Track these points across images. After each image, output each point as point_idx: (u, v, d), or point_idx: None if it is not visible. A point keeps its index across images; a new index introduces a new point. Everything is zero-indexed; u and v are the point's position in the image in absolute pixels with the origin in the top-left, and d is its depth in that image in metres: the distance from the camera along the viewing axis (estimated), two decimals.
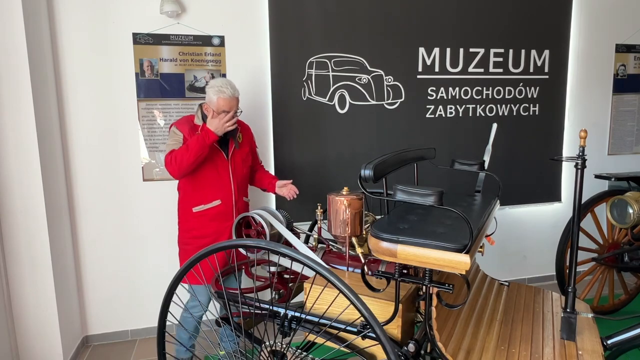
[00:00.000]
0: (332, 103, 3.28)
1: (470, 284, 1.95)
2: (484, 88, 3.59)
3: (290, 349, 1.65)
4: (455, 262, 1.39)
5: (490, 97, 3.62)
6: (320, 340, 1.64)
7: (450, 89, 3.51)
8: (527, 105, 3.71)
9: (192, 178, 2.40)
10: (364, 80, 3.31)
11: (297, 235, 2.14)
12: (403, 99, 3.42)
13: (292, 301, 1.97)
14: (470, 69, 3.54)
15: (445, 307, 1.60)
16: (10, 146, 2.47)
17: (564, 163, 3.87)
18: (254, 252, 2.12)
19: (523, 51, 3.63)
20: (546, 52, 3.68)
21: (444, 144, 3.49)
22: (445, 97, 3.51)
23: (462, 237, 1.44)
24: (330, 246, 2.08)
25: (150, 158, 3.05)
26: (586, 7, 3.78)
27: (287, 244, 2.08)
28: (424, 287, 1.56)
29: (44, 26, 2.72)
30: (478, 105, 3.60)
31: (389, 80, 3.37)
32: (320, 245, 2.09)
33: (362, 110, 3.34)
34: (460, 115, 3.57)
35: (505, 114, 3.68)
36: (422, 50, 3.41)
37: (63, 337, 2.72)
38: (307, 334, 1.68)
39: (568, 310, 1.71)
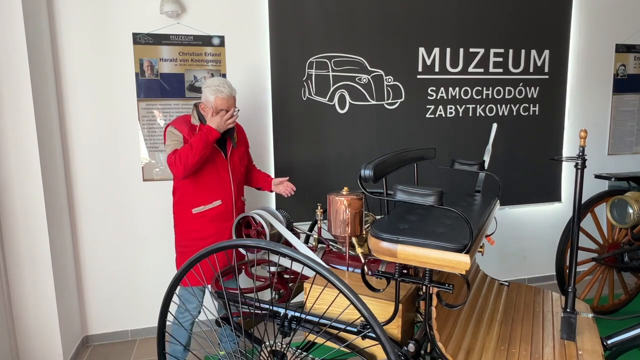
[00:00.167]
0: (332, 103, 3.28)
1: (470, 284, 1.95)
2: (484, 88, 3.59)
3: (290, 349, 1.65)
4: (455, 262, 1.39)
5: (490, 97, 3.62)
6: (320, 340, 1.64)
7: (450, 89, 3.51)
8: (527, 105, 3.71)
9: (192, 179, 2.38)
10: (364, 80, 3.31)
11: (297, 235, 2.14)
12: (403, 99, 3.42)
13: (292, 301, 1.97)
14: (470, 69, 3.54)
15: (445, 307, 1.60)
16: (10, 146, 2.47)
17: (564, 163, 3.87)
18: (254, 252, 2.12)
19: (523, 51, 3.63)
20: (546, 52, 3.68)
21: (444, 144, 3.49)
22: (445, 97, 3.51)
23: (462, 237, 1.44)
24: (330, 246, 2.08)
25: (150, 158, 3.05)
26: (586, 7, 3.78)
27: (287, 244, 2.08)
28: (424, 287, 1.56)
29: (44, 26, 2.72)
30: (478, 105, 3.60)
31: (389, 80, 3.37)
32: (320, 245, 2.09)
33: (362, 110, 3.34)
34: (460, 115, 3.57)
35: (505, 114, 3.68)
36: (422, 50, 3.41)
37: (63, 337, 2.72)
38: (307, 334, 1.68)
39: (568, 310, 1.71)
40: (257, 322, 1.97)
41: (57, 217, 2.74)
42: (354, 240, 1.87)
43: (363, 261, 1.79)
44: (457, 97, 3.54)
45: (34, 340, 2.64)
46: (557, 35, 3.70)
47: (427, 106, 3.48)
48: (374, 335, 1.44)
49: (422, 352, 1.62)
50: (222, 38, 3.06)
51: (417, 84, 3.43)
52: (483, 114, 3.62)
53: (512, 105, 3.68)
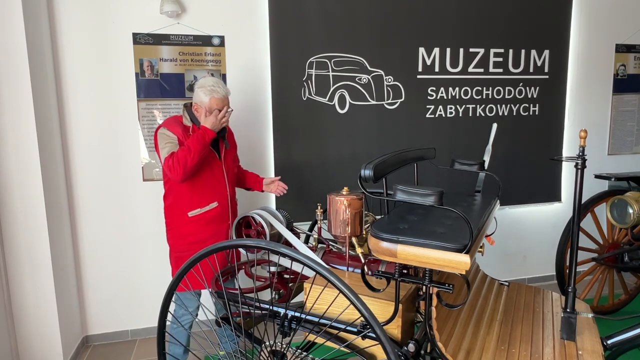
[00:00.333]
0: (332, 103, 3.28)
1: (470, 284, 1.95)
2: (484, 88, 3.59)
3: (290, 349, 1.65)
4: (455, 262, 1.39)
5: (490, 97, 3.62)
6: (320, 340, 1.64)
7: (450, 89, 3.51)
8: (527, 105, 3.71)
9: (187, 181, 2.30)
10: (364, 80, 3.31)
11: (297, 235, 2.14)
12: (403, 99, 3.42)
13: (292, 301, 1.97)
14: (470, 69, 3.54)
15: (445, 307, 1.60)
16: (10, 146, 2.47)
17: (564, 163, 3.87)
18: (254, 252, 2.12)
19: (523, 51, 3.63)
20: (546, 52, 3.68)
21: (444, 144, 3.49)
22: (445, 97, 3.51)
23: (462, 237, 1.44)
24: (330, 246, 2.08)
25: (150, 158, 3.05)
26: (586, 7, 3.78)
27: (287, 244, 2.08)
28: (424, 287, 1.56)
29: (44, 26, 2.72)
30: (478, 105, 3.60)
31: (389, 80, 3.37)
32: (320, 245, 2.09)
33: (362, 110, 3.34)
34: (460, 115, 3.57)
35: (505, 114, 3.68)
36: (422, 50, 3.41)
37: (63, 337, 2.72)
38: (307, 334, 1.68)
39: (568, 310, 1.71)
40: (257, 322, 1.97)
41: (57, 217, 2.74)
42: (354, 240, 1.87)
43: (363, 261, 1.79)
44: (457, 97, 3.54)
45: (34, 340, 2.64)
46: (557, 35, 3.70)
47: (427, 106, 3.48)
48: (374, 335, 1.44)
49: (422, 352, 1.62)
50: (222, 38, 3.06)
51: (417, 84, 3.43)
52: (483, 114, 3.62)
53: (512, 105, 3.68)
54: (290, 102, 3.20)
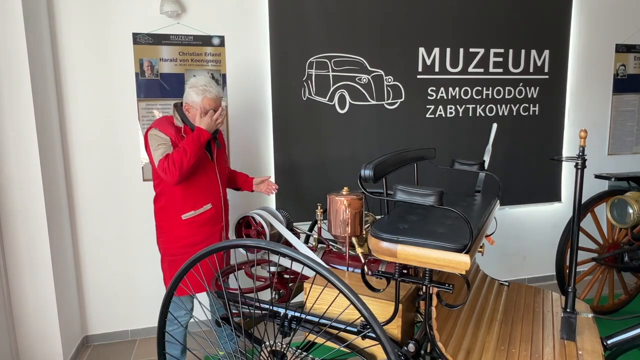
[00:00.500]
0: (332, 103, 3.28)
1: (470, 284, 1.95)
2: (484, 88, 3.59)
3: (290, 349, 1.65)
4: (455, 262, 1.39)
5: (490, 97, 3.62)
6: (320, 340, 1.64)
7: (450, 89, 3.51)
8: (527, 105, 3.71)
9: (181, 183, 2.24)
10: (364, 80, 3.31)
11: (297, 235, 2.14)
12: (403, 99, 3.42)
13: (292, 301, 1.97)
14: (470, 69, 3.54)
15: (445, 307, 1.60)
16: (10, 146, 2.47)
17: (564, 163, 3.87)
18: (254, 252, 2.11)
19: (523, 51, 3.63)
20: (546, 52, 3.68)
21: (444, 144, 3.49)
22: (445, 97, 3.51)
23: (462, 237, 1.44)
24: (330, 246, 2.08)
25: None
26: (586, 7, 3.78)
27: (287, 244, 2.08)
28: (424, 287, 1.56)
29: (44, 26, 2.72)
30: (478, 105, 3.60)
31: (389, 80, 3.37)
32: (320, 245, 2.09)
33: (362, 110, 3.34)
34: (460, 115, 3.57)
35: (505, 114, 3.68)
36: (422, 50, 3.41)
37: (63, 337, 2.72)
38: (307, 334, 1.68)
39: (568, 310, 1.71)
40: (257, 322, 1.97)
41: (57, 217, 2.74)
42: (354, 240, 1.87)
43: (363, 261, 1.79)
44: (457, 97, 3.54)
45: (34, 340, 2.64)
46: (557, 35, 3.70)
47: (427, 106, 3.48)
48: (374, 335, 1.44)
49: (422, 352, 1.62)
50: (222, 38, 3.06)
51: (417, 84, 3.43)
52: (483, 114, 3.62)
53: (512, 105, 3.68)
54: (290, 102, 3.19)
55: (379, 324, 1.34)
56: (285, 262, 2.02)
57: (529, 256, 3.99)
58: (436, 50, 3.44)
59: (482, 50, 3.54)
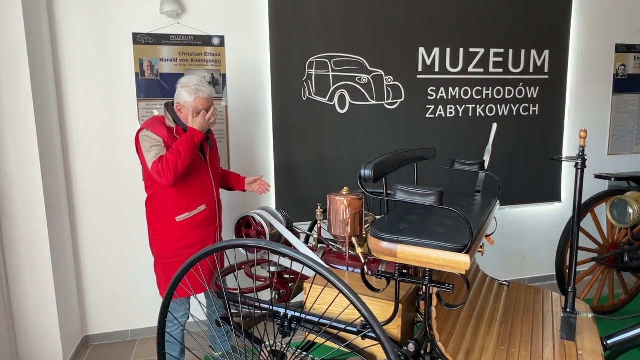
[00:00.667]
0: (332, 103, 3.28)
1: (470, 284, 1.95)
2: (484, 88, 3.59)
3: (290, 349, 1.65)
4: (455, 262, 1.39)
5: (490, 97, 3.62)
6: (320, 340, 1.64)
7: (450, 89, 3.51)
8: (527, 105, 3.71)
9: (175, 186, 2.22)
10: (364, 80, 3.31)
11: (297, 235, 2.14)
12: (403, 99, 3.42)
13: (292, 301, 1.97)
14: (470, 69, 3.54)
15: (445, 307, 1.60)
16: (10, 146, 2.47)
17: (564, 163, 3.87)
18: (254, 252, 2.12)
19: (523, 51, 3.63)
20: (546, 52, 3.68)
21: (444, 144, 3.49)
22: (445, 97, 3.51)
23: (462, 237, 1.44)
24: (330, 246, 2.08)
25: None
26: (586, 7, 3.78)
27: (287, 244, 2.08)
28: (424, 287, 1.56)
29: (44, 26, 2.72)
30: (478, 105, 3.60)
31: (389, 80, 3.37)
32: (320, 245, 2.09)
33: (362, 110, 3.34)
34: (460, 115, 3.57)
35: (505, 114, 3.68)
36: (422, 50, 3.41)
37: (63, 337, 2.72)
38: (307, 334, 1.68)
39: (568, 310, 1.71)
40: (257, 322, 1.97)
41: (57, 217, 2.74)
42: (354, 240, 1.87)
43: (363, 261, 1.79)
44: (457, 97, 3.54)
45: (34, 340, 2.64)
46: (557, 35, 3.70)
47: (427, 106, 3.48)
48: (374, 335, 1.44)
49: (422, 352, 1.62)
50: (222, 38, 3.06)
51: (417, 84, 3.43)
52: (483, 114, 3.62)
53: (512, 105, 3.68)
54: (290, 102, 3.19)
55: (379, 324, 1.34)
56: (285, 262, 2.02)
57: (529, 256, 3.99)
58: (436, 50, 3.44)
59: (482, 50, 3.54)
